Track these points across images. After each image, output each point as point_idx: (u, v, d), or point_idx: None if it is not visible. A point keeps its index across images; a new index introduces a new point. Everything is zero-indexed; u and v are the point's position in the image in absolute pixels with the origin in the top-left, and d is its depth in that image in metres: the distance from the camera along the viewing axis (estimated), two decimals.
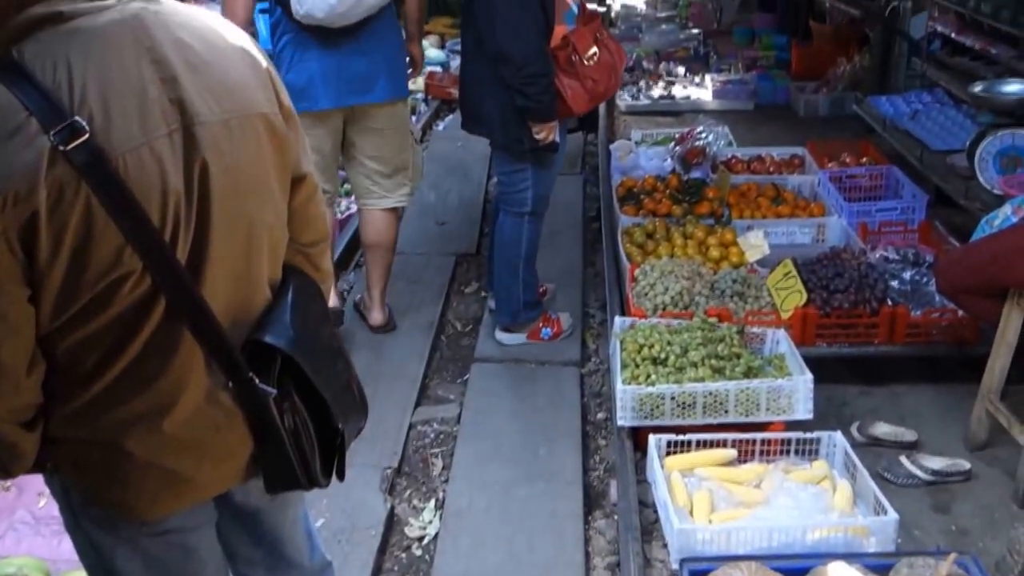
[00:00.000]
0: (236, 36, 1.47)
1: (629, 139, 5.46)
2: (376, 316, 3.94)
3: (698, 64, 7.78)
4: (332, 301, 3.86)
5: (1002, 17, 4.52)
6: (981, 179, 3.88)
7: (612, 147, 5.16)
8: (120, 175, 1.24)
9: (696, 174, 4.62)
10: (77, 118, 1.21)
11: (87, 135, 1.21)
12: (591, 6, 3.53)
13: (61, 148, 1.20)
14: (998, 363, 2.87)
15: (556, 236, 4.61)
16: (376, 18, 3.36)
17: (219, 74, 1.38)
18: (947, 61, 5.28)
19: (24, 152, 1.19)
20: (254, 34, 7.06)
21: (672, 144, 5.00)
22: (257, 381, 1.45)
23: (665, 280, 3.53)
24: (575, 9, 3.37)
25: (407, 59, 3.79)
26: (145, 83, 1.29)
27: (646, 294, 3.51)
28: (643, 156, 4.96)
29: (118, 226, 1.25)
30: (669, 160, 4.82)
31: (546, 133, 3.39)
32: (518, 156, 3.51)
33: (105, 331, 1.33)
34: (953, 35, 5.18)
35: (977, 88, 4.04)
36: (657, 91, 6.99)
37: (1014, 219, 2.95)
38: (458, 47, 4.89)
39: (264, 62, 1.49)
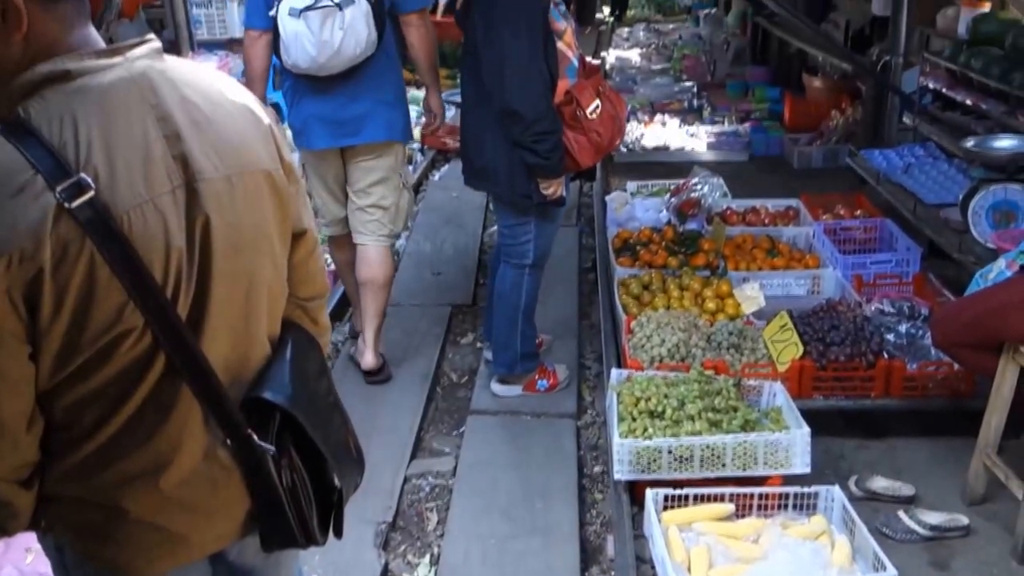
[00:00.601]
0: (239, 94, 1.49)
1: (625, 190, 5.50)
2: (369, 359, 3.92)
3: (692, 116, 7.87)
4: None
5: (992, 73, 4.58)
6: (974, 233, 3.91)
7: (608, 198, 5.19)
8: (124, 232, 1.25)
9: (692, 225, 4.65)
10: (83, 175, 1.22)
11: (92, 192, 1.22)
12: (588, 59, 3.56)
13: (66, 205, 1.20)
14: (994, 417, 2.87)
15: (552, 287, 4.62)
16: (368, 65, 3.51)
17: (222, 131, 1.40)
18: (939, 115, 5.34)
19: (30, 210, 1.19)
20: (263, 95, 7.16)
21: (667, 195, 5.03)
22: (256, 438, 1.45)
23: (661, 332, 3.53)
24: (575, 63, 3.41)
25: (410, 105, 3.92)
26: (150, 140, 1.30)
27: (642, 346, 3.51)
28: (639, 207, 4.99)
29: (121, 283, 1.25)
30: (665, 211, 4.85)
31: (554, 188, 3.42)
32: (523, 210, 3.53)
33: (104, 387, 1.32)
34: (944, 90, 5.25)
35: (969, 143, 4.09)
36: (652, 142, 7.05)
37: (1008, 273, 2.96)
38: (454, 97, 4.94)
39: (266, 120, 1.51)
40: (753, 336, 3.56)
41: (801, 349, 3.33)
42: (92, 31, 1.35)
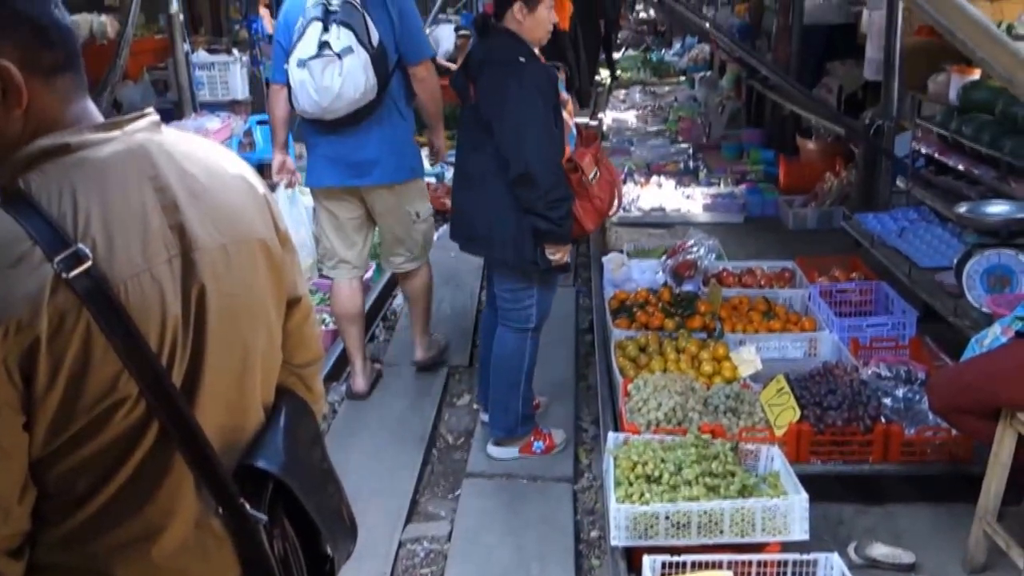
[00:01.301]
0: (236, 165, 1.51)
1: (621, 251, 5.53)
2: (418, 354, 4.60)
3: (689, 177, 7.94)
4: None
5: (982, 140, 4.64)
6: (969, 297, 3.92)
7: (604, 259, 5.22)
8: (121, 301, 1.25)
9: (688, 287, 4.67)
10: (80, 246, 1.23)
11: (90, 262, 1.23)
12: (584, 120, 3.66)
13: (64, 276, 1.21)
14: (993, 484, 2.86)
15: (549, 348, 4.60)
16: (375, 109, 3.86)
17: (219, 201, 1.41)
18: (932, 179, 5.40)
19: (28, 280, 1.20)
20: (251, 143, 7.26)
21: (664, 256, 5.06)
22: (248, 507, 1.43)
23: (658, 395, 3.53)
24: (574, 130, 3.48)
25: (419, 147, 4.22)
26: (148, 211, 1.32)
27: (639, 409, 3.50)
28: (635, 268, 5.01)
29: (116, 352, 1.26)
30: (661, 273, 4.87)
31: (562, 254, 3.48)
32: (526, 275, 3.56)
33: (97, 456, 1.31)
34: (936, 155, 5.31)
35: (962, 209, 4.12)
36: (649, 203, 7.10)
37: (1003, 339, 2.97)
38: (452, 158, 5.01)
39: (261, 189, 1.53)
40: (750, 400, 3.56)
41: (798, 413, 3.33)
42: (90, 104, 1.38)
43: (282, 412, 1.55)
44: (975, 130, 4.75)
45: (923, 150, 5.53)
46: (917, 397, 3.48)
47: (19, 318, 1.19)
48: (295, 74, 3.76)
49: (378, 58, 3.73)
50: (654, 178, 7.79)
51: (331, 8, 3.72)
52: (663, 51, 18.15)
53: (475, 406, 4.32)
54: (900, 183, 5.76)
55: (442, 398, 4.45)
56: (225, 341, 1.40)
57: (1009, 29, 5.60)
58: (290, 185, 4.58)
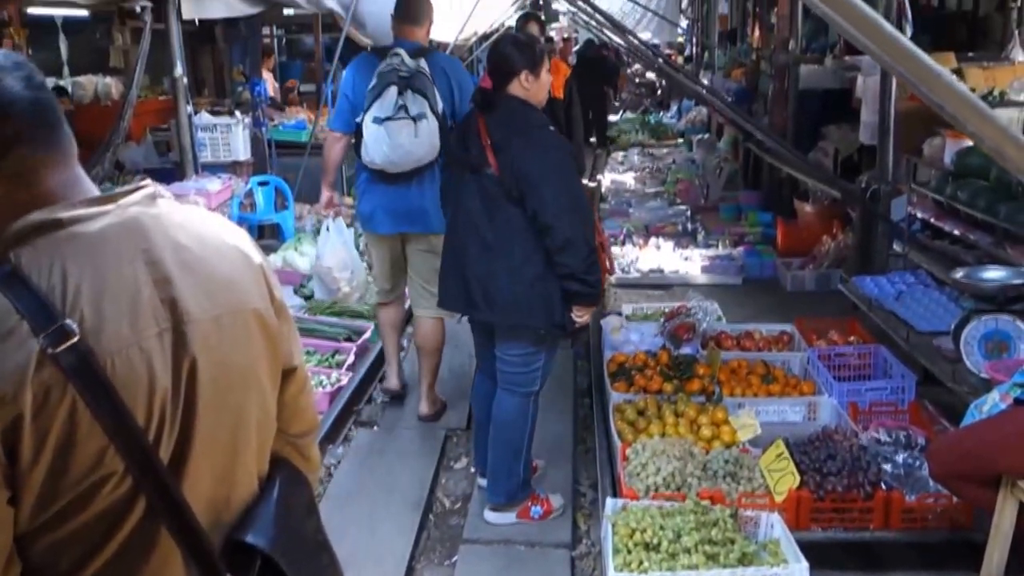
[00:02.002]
0: (232, 235, 1.51)
1: (620, 313, 5.54)
2: (423, 408, 4.76)
3: (687, 239, 7.99)
4: (394, 382, 4.99)
5: (978, 205, 4.68)
6: (967, 363, 3.92)
7: (603, 321, 5.22)
8: (108, 376, 1.25)
9: (686, 350, 4.67)
10: (68, 321, 1.23)
11: (76, 337, 1.23)
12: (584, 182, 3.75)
13: (49, 351, 1.21)
14: (995, 553, 2.83)
15: (547, 411, 4.58)
16: (431, 168, 4.25)
17: (213, 272, 1.42)
18: (928, 244, 5.43)
19: (14, 355, 1.20)
20: (252, 204, 7.31)
21: (662, 319, 5.07)
22: None
23: (657, 460, 3.51)
24: None
25: None
26: (139, 285, 1.32)
27: (638, 474, 3.48)
28: (633, 331, 5.01)
29: (102, 427, 1.25)
30: (659, 336, 4.87)
31: (588, 315, 3.56)
32: (537, 339, 3.57)
33: (83, 530, 1.30)
34: (932, 220, 5.35)
35: (958, 274, 4.14)
36: (647, 265, 7.14)
37: (1002, 405, 2.96)
38: None
39: (258, 259, 1.53)
40: (749, 465, 3.54)
41: (798, 479, 3.31)
42: (82, 175, 1.39)
43: (276, 483, 1.54)
44: (970, 195, 4.79)
45: (919, 214, 5.57)
46: (917, 463, 3.46)
47: (3, 393, 1.19)
48: (371, 129, 4.15)
49: (441, 124, 4.14)
50: (652, 240, 7.84)
51: (403, 74, 4.14)
52: (661, 113, 18.39)
53: (472, 470, 4.28)
54: (897, 247, 5.79)
55: (439, 461, 4.42)
56: (216, 413, 1.40)
57: (1001, 96, 5.69)
58: (336, 215, 5.00)
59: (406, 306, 5.16)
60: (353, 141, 4.35)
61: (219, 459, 1.42)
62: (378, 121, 4.12)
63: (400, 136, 4.11)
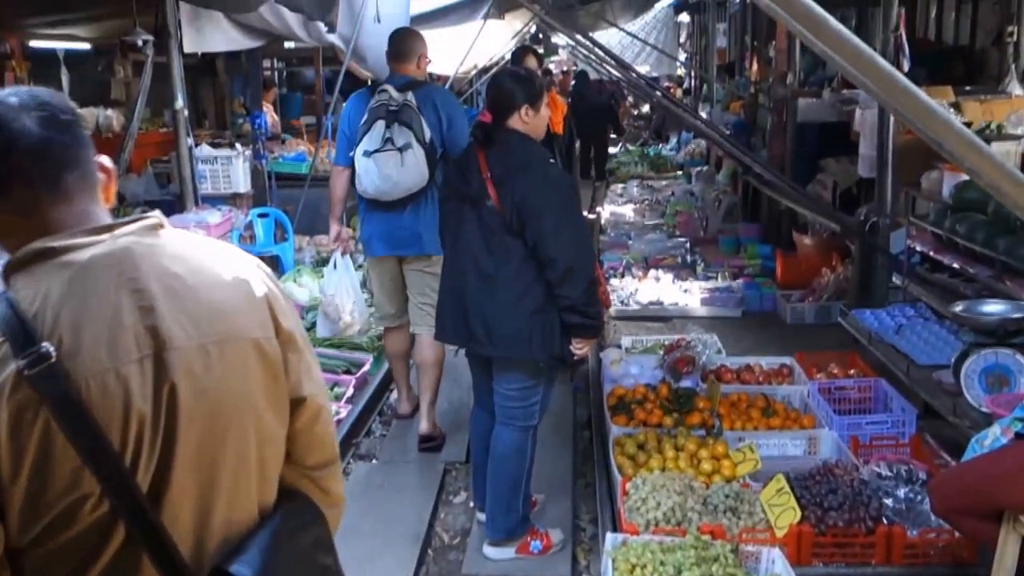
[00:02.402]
0: (236, 265, 1.53)
1: (619, 346, 5.53)
2: (424, 426, 4.84)
3: (686, 271, 7.99)
4: (405, 407, 5.21)
5: (976, 239, 4.68)
6: (968, 397, 3.91)
7: (602, 354, 5.21)
8: (82, 398, 1.30)
9: (686, 383, 4.66)
10: (45, 344, 1.29)
11: (52, 360, 1.29)
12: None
13: (26, 372, 1.27)
14: None
15: (545, 444, 4.58)
16: (423, 195, 4.48)
17: (203, 300, 1.44)
18: (927, 277, 5.43)
19: None
20: (252, 236, 7.32)
21: (661, 352, 5.06)
22: None
23: (657, 495, 3.49)
24: None
25: None
26: (122, 312, 1.36)
27: (638, 509, 3.46)
28: (633, 364, 5.00)
29: (76, 448, 1.29)
30: (659, 368, 4.86)
31: (588, 348, 3.60)
32: (535, 372, 3.56)
33: (69, 549, 1.34)
34: (931, 253, 5.35)
35: (958, 308, 4.14)
36: (646, 297, 7.13)
37: (1003, 440, 2.95)
38: None
39: (263, 290, 1.53)
40: (750, 499, 3.52)
41: (799, 514, 3.28)
42: (94, 210, 1.46)
43: (277, 516, 1.53)
44: (969, 229, 4.80)
45: (918, 247, 5.58)
46: (919, 497, 3.44)
47: None
48: (361, 162, 4.42)
49: (429, 153, 4.38)
50: (652, 272, 7.83)
51: (391, 108, 4.40)
52: (660, 145, 18.46)
53: (471, 504, 4.25)
54: (896, 280, 5.79)
55: (438, 495, 4.39)
56: (199, 440, 1.41)
57: (998, 129, 5.72)
58: (345, 251, 5.06)
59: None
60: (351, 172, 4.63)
61: (204, 487, 1.43)
62: (367, 154, 4.39)
63: (387, 167, 4.36)
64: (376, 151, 4.37)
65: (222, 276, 1.49)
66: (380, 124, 4.39)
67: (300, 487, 1.62)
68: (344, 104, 5.11)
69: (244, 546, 1.46)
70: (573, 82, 14.75)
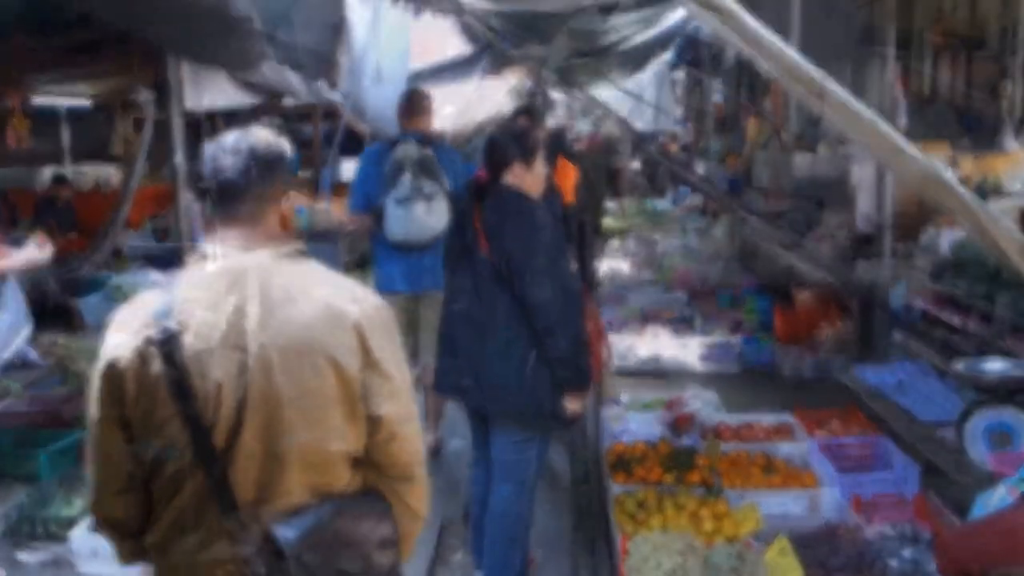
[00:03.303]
0: (332, 295, 1.91)
1: (618, 401, 5.48)
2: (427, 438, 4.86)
3: (684, 326, 7.95)
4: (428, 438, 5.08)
5: (976, 295, 4.67)
6: (971, 455, 3.87)
7: (602, 411, 5.17)
8: (185, 364, 1.80)
9: (686, 441, 4.61)
10: (172, 322, 1.82)
11: (174, 332, 1.82)
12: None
13: (154, 337, 1.82)
14: None
15: (544, 501, 4.52)
16: (443, 236, 4.64)
17: (289, 316, 1.85)
18: (928, 332, 5.41)
19: (136, 336, 1.84)
20: None
21: (661, 409, 5.02)
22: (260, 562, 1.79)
23: (658, 555, 3.43)
24: None
25: None
26: (226, 310, 1.84)
27: (639, 569, 3.39)
28: (633, 421, 4.96)
29: (172, 398, 1.80)
30: (659, 426, 4.82)
31: (581, 404, 3.57)
32: (530, 426, 3.54)
33: (167, 483, 1.85)
34: (931, 309, 5.33)
35: (959, 366, 4.12)
36: (645, 352, 7.09)
37: (1010, 499, 2.91)
38: None
39: (352, 319, 1.88)
40: (753, 560, 3.45)
41: None
42: (253, 232, 1.94)
43: (337, 501, 1.86)
44: (968, 285, 4.79)
45: (918, 303, 5.56)
46: (924, 558, 3.38)
47: (118, 357, 1.84)
48: (393, 210, 4.86)
49: (451, 200, 4.70)
50: (649, 327, 7.80)
51: (414, 160, 4.84)
52: (656, 201, 18.52)
53: (469, 562, 4.18)
54: (896, 335, 5.77)
55: (435, 553, 4.32)
56: (267, 420, 1.82)
57: (995, 185, 5.75)
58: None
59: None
60: (373, 218, 5.03)
61: (267, 458, 1.83)
62: (398, 203, 4.85)
63: (417, 212, 4.83)
64: (407, 199, 4.82)
65: (317, 301, 1.88)
66: (407, 175, 4.84)
67: (382, 490, 1.95)
68: (360, 159, 5.50)
69: (298, 515, 1.81)
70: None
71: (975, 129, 8.38)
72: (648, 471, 4.23)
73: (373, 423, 1.90)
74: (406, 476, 1.98)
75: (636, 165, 22.37)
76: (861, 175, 6.50)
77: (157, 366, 1.79)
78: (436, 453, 5.33)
